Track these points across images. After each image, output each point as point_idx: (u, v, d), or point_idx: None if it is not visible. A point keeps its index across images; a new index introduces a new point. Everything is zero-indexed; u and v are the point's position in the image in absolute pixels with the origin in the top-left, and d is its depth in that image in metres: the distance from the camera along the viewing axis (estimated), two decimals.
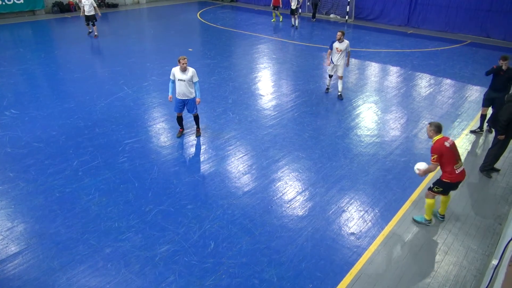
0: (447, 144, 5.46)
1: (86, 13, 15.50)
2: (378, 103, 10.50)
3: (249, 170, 7.30)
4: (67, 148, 7.81)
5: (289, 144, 8.26)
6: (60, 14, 20.04)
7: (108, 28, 18.07)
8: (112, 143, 8.07)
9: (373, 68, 13.49)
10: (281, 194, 6.66)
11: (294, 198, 6.56)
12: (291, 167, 7.42)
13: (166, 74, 11.82)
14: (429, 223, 6.00)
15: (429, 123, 5.65)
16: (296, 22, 18.44)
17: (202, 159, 7.67)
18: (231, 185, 6.85)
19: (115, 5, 22.47)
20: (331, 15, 21.59)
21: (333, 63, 10.30)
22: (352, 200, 6.52)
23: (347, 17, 20.62)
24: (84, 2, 15.35)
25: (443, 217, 6.12)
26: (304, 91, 11.12)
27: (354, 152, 8.02)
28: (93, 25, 15.92)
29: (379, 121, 9.47)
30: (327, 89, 11.05)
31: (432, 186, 5.79)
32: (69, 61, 13.47)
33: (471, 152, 8.21)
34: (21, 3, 18.82)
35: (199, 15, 21.43)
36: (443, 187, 5.68)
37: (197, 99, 7.96)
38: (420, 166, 5.71)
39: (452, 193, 6.07)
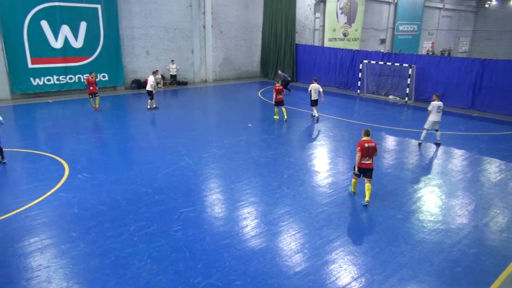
0: (366, 145, 8.37)
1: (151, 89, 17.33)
2: (441, 186, 9.92)
3: (302, 249, 7.02)
4: (127, 213, 8.17)
5: (344, 224, 7.92)
6: (137, 90, 22.33)
7: (176, 102, 19.70)
8: (168, 211, 8.31)
9: (436, 150, 12.99)
10: (335, 278, 6.24)
11: (348, 284, 6.10)
12: (346, 250, 7.02)
13: (225, 147, 12.35)
14: (353, 194, 9.11)
15: (364, 129, 8.71)
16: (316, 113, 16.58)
17: (254, 233, 7.56)
18: (282, 263, 6.59)
19: (185, 83, 24.70)
20: (390, 96, 21.74)
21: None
22: None
23: (406, 98, 20.62)
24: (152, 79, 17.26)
25: (367, 202, 8.66)
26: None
27: (416, 238, 7.46)
28: (152, 98, 17.64)
29: (443, 206, 8.85)
30: (420, 143, 13.22)
31: (354, 169, 8.71)
32: (138, 131, 14.70)
33: None
34: (106, 80, 21.37)
35: (260, 93, 22.71)
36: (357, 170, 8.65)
37: None
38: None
39: None
